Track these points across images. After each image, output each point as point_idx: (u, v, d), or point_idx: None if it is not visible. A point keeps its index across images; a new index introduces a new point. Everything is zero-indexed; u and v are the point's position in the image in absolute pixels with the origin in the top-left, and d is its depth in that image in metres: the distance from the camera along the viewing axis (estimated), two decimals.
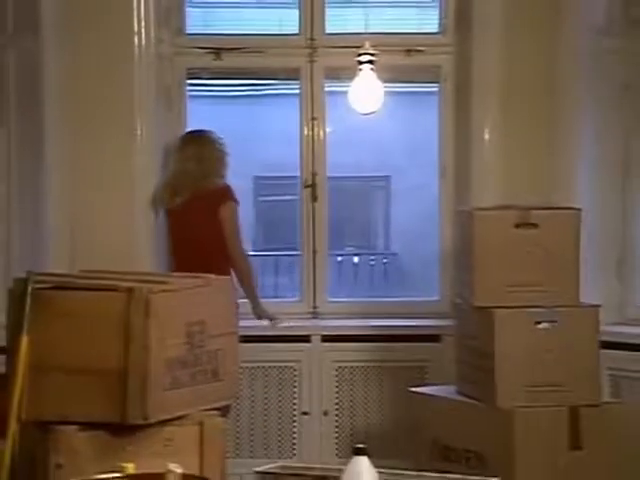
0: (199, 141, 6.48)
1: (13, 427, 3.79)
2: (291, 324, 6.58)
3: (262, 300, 6.44)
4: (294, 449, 6.49)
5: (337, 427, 6.51)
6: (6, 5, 6.42)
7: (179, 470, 2.95)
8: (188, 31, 6.82)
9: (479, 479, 3.61)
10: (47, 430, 3.77)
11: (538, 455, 5.31)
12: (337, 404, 6.55)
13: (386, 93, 6.54)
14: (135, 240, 6.41)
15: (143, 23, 6.47)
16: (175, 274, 5.43)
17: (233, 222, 6.36)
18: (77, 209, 6.42)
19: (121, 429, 3.77)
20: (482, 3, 6.53)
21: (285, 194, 8.26)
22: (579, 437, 5.46)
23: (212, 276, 4.28)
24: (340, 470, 3.12)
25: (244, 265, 6.32)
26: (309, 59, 6.73)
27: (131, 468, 3.02)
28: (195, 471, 3.48)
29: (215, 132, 6.52)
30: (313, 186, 6.75)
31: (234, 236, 6.32)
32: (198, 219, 6.33)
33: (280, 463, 4.07)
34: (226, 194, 6.42)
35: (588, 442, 5.47)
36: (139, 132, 6.53)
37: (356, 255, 12.49)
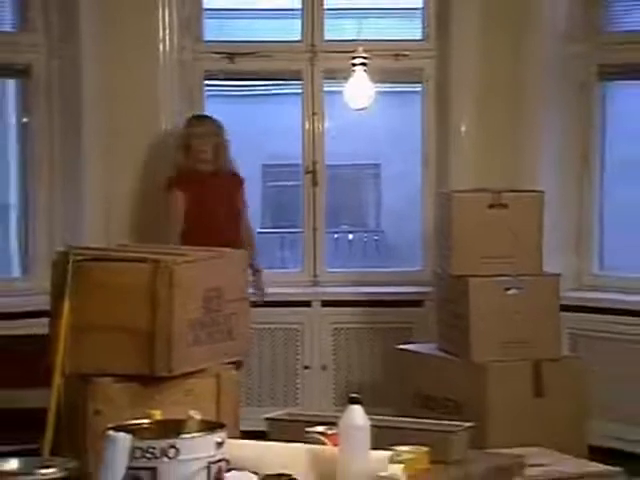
0: (215, 124, 6.26)
1: (57, 380, 3.80)
2: (294, 291, 6.61)
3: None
4: (297, 398, 6.51)
5: (334, 380, 6.54)
6: (51, 19, 6.44)
7: (198, 416, 2.96)
8: (206, 39, 6.80)
9: (456, 424, 3.62)
10: (87, 382, 3.78)
11: (507, 402, 5.34)
12: (334, 360, 6.57)
13: (376, 92, 6.54)
14: (160, 217, 6.42)
15: (167, 32, 6.49)
16: (194, 248, 5.43)
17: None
18: (111, 194, 6.44)
19: (149, 380, 3.77)
20: (459, 14, 6.53)
21: (289, 180, 8.24)
22: (542, 386, 5.49)
23: (226, 249, 4.29)
24: (337, 417, 3.13)
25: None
26: (310, 62, 6.73)
27: (158, 414, 3.03)
28: (212, 417, 3.49)
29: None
30: (313, 173, 6.76)
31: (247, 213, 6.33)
32: (222, 197, 6.19)
33: (286, 410, 4.09)
34: (240, 176, 6.34)
35: (549, 390, 5.50)
36: (164, 127, 6.55)
37: (350, 232, 12.45)
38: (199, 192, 6.11)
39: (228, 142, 6.23)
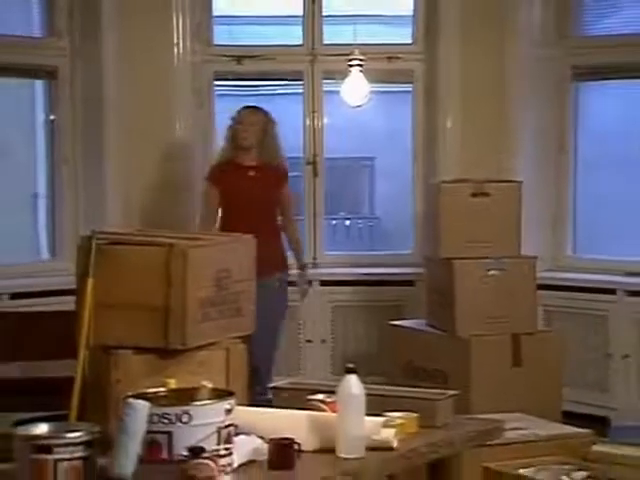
0: (263, 116, 5.86)
1: (82, 352, 3.80)
2: (295, 272, 6.60)
3: None
4: (299, 369, 6.51)
5: (332, 352, 6.55)
6: (75, 25, 6.44)
7: (209, 385, 2.96)
8: (215, 43, 6.79)
9: (442, 392, 3.62)
10: (108, 354, 3.78)
11: (488, 372, 5.35)
12: (332, 334, 6.58)
13: (371, 91, 6.55)
14: (179, 206, 6.45)
15: (180, 37, 6.50)
16: (207, 233, 5.43)
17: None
18: (129, 184, 6.45)
19: (165, 353, 3.78)
20: (445, 21, 6.53)
21: (292, 171, 8.22)
22: (520, 357, 5.49)
23: (236, 234, 4.29)
24: (335, 386, 3.14)
25: None
26: (310, 64, 6.73)
27: (173, 383, 3.03)
28: (222, 386, 3.49)
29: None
30: (314, 165, 6.77)
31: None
32: (259, 191, 5.77)
33: (289, 380, 4.09)
34: (285, 171, 5.96)
35: (526, 361, 5.51)
36: (177, 124, 6.55)
37: (347, 219, 12.44)
38: (234, 186, 5.74)
39: (276, 135, 5.86)
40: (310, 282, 6.15)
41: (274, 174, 5.83)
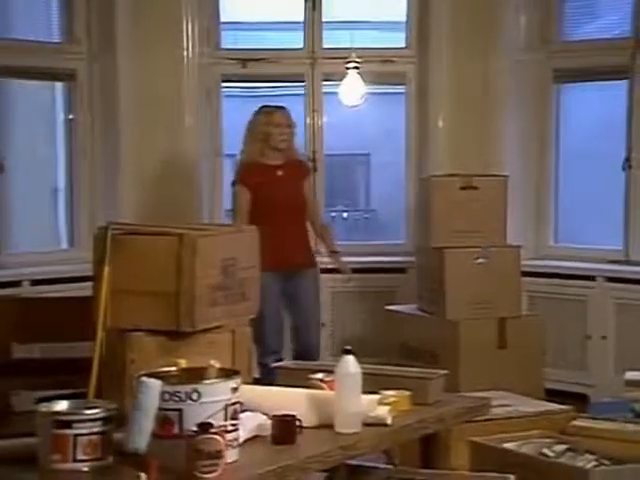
0: (289, 114, 5.63)
1: (100, 334, 3.80)
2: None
3: None
4: None
5: (331, 334, 6.53)
6: (92, 31, 6.44)
7: (217, 365, 2.96)
8: (222, 47, 6.78)
9: (433, 371, 3.63)
10: (124, 336, 3.78)
11: (475, 353, 5.36)
12: (331, 318, 6.57)
13: (367, 92, 6.55)
14: (189, 199, 6.44)
15: (190, 41, 6.49)
16: (214, 224, 5.42)
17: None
18: (143, 178, 6.45)
19: (175, 335, 3.78)
20: (436, 27, 6.53)
21: None
22: (505, 339, 5.50)
23: (242, 225, 4.29)
24: (334, 366, 3.14)
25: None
26: (310, 67, 6.71)
27: (183, 363, 3.03)
28: (229, 366, 3.49)
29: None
30: (314, 160, 6.74)
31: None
32: (288, 188, 5.55)
33: (292, 361, 4.09)
34: (307, 165, 5.87)
35: (511, 343, 5.52)
36: (187, 123, 6.54)
37: (345, 211, 12.47)
38: (265, 187, 5.47)
39: (296, 132, 5.71)
40: (344, 265, 5.82)
41: (299, 169, 5.68)
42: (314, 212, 5.77)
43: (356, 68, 6.41)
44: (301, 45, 6.76)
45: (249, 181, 5.49)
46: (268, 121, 5.52)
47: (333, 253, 5.78)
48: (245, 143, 5.64)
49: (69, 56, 6.49)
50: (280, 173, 5.55)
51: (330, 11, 6.80)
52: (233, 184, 5.59)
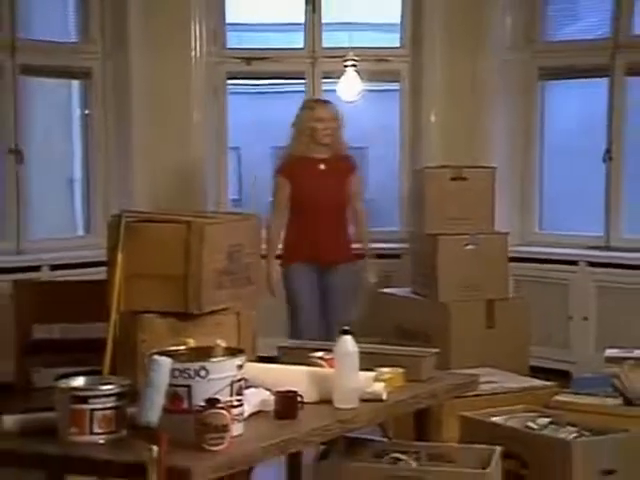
0: (336, 108, 5.28)
1: (114, 316, 3.80)
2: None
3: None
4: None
5: None
6: (106, 32, 6.45)
7: (223, 344, 2.96)
8: (228, 46, 6.76)
9: (425, 350, 3.63)
10: (136, 317, 3.78)
11: (465, 333, 5.35)
12: None
13: (364, 89, 6.53)
14: (196, 189, 6.42)
15: (198, 41, 6.49)
16: (220, 212, 5.41)
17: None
18: (154, 170, 6.45)
19: (184, 316, 3.77)
20: (429, 28, 6.52)
21: None
22: (493, 320, 5.50)
23: (246, 212, 4.28)
24: (333, 345, 3.14)
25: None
26: (311, 65, 6.69)
27: (192, 343, 3.03)
28: (234, 345, 3.49)
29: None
30: None
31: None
32: (331, 183, 5.19)
33: (294, 340, 4.09)
34: (353, 162, 5.38)
35: (499, 323, 5.52)
36: (195, 117, 6.53)
37: None
38: (306, 181, 5.13)
39: (343, 126, 5.32)
40: (368, 275, 5.45)
41: (344, 165, 5.30)
42: (355, 210, 5.37)
43: (353, 66, 6.39)
44: (302, 45, 6.74)
45: (290, 174, 5.15)
46: (312, 116, 5.19)
47: (363, 257, 5.39)
48: (292, 137, 5.30)
49: (85, 55, 6.48)
50: (323, 167, 5.19)
51: (329, 13, 6.79)
52: (274, 174, 5.28)
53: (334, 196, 5.17)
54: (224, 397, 2.70)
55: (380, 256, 6.55)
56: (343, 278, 5.27)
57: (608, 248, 6.22)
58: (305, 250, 4.70)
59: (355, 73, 6.42)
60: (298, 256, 4.83)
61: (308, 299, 5.14)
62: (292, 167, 5.18)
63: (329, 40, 6.77)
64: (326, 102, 5.30)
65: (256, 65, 6.76)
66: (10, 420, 2.89)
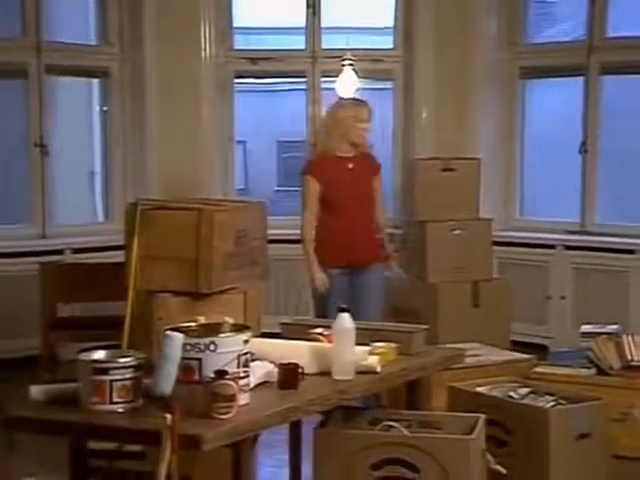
0: (370, 108, 4.77)
1: (131, 294, 3.80)
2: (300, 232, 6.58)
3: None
4: (303, 309, 6.48)
5: None
6: (123, 35, 6.44)
7: (231, 321, 2.96)
8: (235, 47, 6.73)
9: (416, 327, 3.63)
10: (152, 296, 3.78)
11: (452, 311, 5.36)
12: None
13: (360, 87, 6.51)
14: (206, 179, 6.41)
15: (207, 43, 6.47)
16: (227, 200, 5.39)
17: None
18: (167, 161, 6.43)
19: (196, 295, 3.78)
20: (420, 31, 6.50)
21: (297, 151, 8.21)
22: (478, 299, 5.51)
23: (252, 201, 4.28)
24: (331, 322, 3.14)
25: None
26: (311, 65, 6.66)
27: (202, 319, 3.02)
28: (241, 321, 3.50)
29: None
30: (314, 146, 6.72)
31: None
32: (358, 181, 4.73)
33: (295, 318, 4.09)
34: (377, 161, 4.84)
35: (483, 302, 5.53)
36: (204, 113, 6.52)
37: None
38: (335, 179, 4.64)
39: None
40: (396, 272, 4.98)
41: (370, 164, 4.80)
42: (377, 211, 4.84)
43: (350, 66, 6.38)
44: (303, 46, 6.71)
45: (320, 172, 4.64)
46: (354, 115, 4.67)
47: (387, 258, 4.87)
48: (324, 134, 4.79)
49: (104, 56, 6.46)
50: (351, 166, 4.71)
51: (328, 17, 6.76)
52: (302, 174, 4.76)
53: (364, 195, 4.71)
54: (232, 369, 2.70)
55: None
56: (375, 278, 4.79)
57: (584, 233, 6.22)
58: (339, 253, 4.43)
59: (352, 72, 6.41)
60: (332, 259, 4.53)
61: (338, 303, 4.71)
62: (322, 166, 4.68)
63: (328, 42, 6.75)
64: (364, 102, 4.79)
65: (261, 65, 6.74)
66: (37, 390, 2.90)
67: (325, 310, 4.33)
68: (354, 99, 4.93)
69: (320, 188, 4.65)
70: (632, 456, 3.95)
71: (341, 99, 4.92)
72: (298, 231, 6.50)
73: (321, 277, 4.59)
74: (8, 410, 2.89)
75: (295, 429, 3.59)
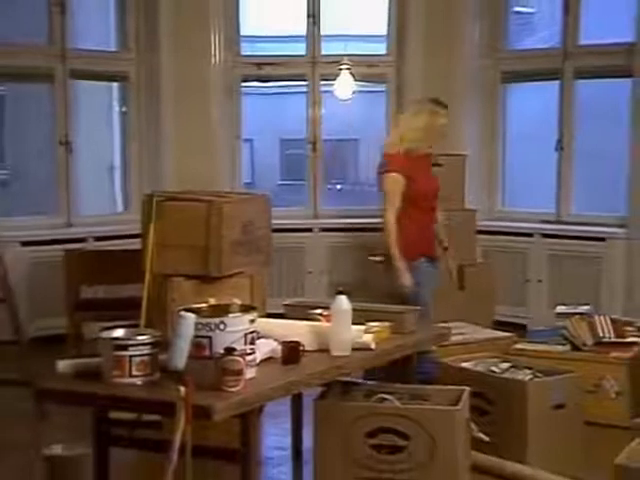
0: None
1: (148, 278, 3.80)
2: (302, 221, 6.58)
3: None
4: (304, 292, 6.49)
5: (328, 279, 6.50)
6: (141, 42, 6.40)
7: (239, 302, 2.96)
8: (242, 54, 6.69)
9: (407, 307, 3.63)
10: (166, 280, 3.78)
11: (440, 293, 5.32)
12: (328, 267, 6.54)
13: (356, 90, 6.51)
14: (215, 173, 6.39)
15: (217, 49, 6.43)
16: (234, 192, 5.38)
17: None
18: (180, 157, 6.41)
19: (206, 279, 3.78)
20: (411, 39, 6.47)
21: (299, 148, 8.19)
22: (463, 282, 5.50)
23: (257, 193, 4.27)
24: (330, 303, 3.14)
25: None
26: (312, 69, 6.63)
27: (212, 301, 3.03)
28: (247, 303, 3.49)
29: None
30: (314, 144, 6.70)
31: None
32: (431, 177, 4.48)
33: (297, 299, 4.09)
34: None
35: (468, 285, 5.53)
36: (214, 113, 6.50)
37: (339, 184, 12.47)
38: (417, 174, 4.29)
39: None
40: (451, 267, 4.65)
41: (432, 160, 4.58)
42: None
43: (348, 70, 6.37)
44: (304, 52, 6.67)
45: (406, 170, 4.27)
46: (444, 116, 4.40)
47: (445, 249, 4.56)
48: (413, 134, 4.35)
49: (122, 62, 6.43)
50: (427, 163, 4.45)
51: (327, 26, 6.74)
52: (386, 172, 4.33)
53: (436, 189, 4.45)
54: (239, 346, 2.70)
55: (369, 229, 6.56)
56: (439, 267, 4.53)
57: (559, 222, 6.21)
58: (422, 244, 4.27)
59: (349, 76, 6.40)
60: (417, 251, 4.23)
61: (430, 295, 4.36)
62: (407, 163, 4.29)
63: (327, 49, 6.71)
64: (446, 106, 4.46)
65: (266, 69, 6.70)
66: (64, 365, 2.90)
67: (418, 301, 4.06)
68: (440, 102, 4.44)
69: (405, 185, 4.25)
70: (603, 423, 3.96)
71: (435, 102, 4.43)
72: (300, 221, 6.53)
73: (408, 277, 4.23)
74: (38, 383, 2.89)
75: (297, 400, 3.60)
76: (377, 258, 4.76)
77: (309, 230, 6.54)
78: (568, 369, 3.79)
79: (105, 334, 2.81)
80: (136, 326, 3.48)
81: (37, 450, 3.41)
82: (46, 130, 6.36)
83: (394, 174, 4.28)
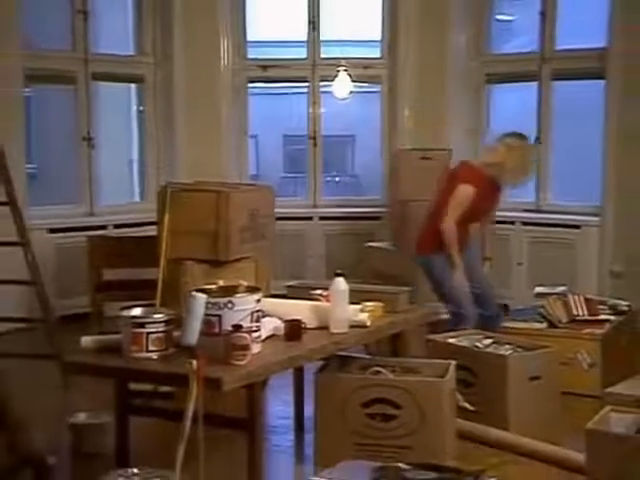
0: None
1: (163, 262, 3.80)
2: (303, 210, 6.56)
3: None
4: (305, 274, 6.45)
5: (327, 263, 6.50)
6: (157, 47, 6.37)
7: (245, 284, 2.96)
8: (248, 57, 6.66)
9: (400, 288, 3.62)
10: (179, 264, 3.78)
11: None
12: (327, 252, 6.53)
13: (352, 90, 6.49)
14: (224, 166, 6.37)
15: (225, 53, 6.42)
16: (242, 183, 5.37)
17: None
18: (192, 153, 6.40)
19: (216, 263, 3.77)
20: (403, 43, 6.42)
21: (300, 144, 8.16)
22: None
23: (262, 184, 4.26)
24: (329, 284, 3.13)
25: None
26: (312, 71, 6.60)
27: (221, 282, 3.03)
28: (253, 284, 3.49)
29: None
30: (314, 139, 6.68)
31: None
32: (491, 198, 4.45)
33: (298, 281, 4.09)
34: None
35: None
36: (223, 112, 6.48)
37: (337, 176, 12.42)
38: (483, 195, 4.25)
39: None
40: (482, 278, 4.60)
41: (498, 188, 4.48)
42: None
43: (345, 72, 6.35)
44: (305, 56, 6.65)
45: (478, 188, 4.22)
46: (529, 150, 4.50)
47: (485, 259, 4.71)
48: (505, 161, 4.27)
49: (140, 65, 6.41)
50: (491, 188, 4.36)
51: (326, 32, 6.71)
52: (464, 182, 4.24)
53: (488, 211, 4.50)
54: (246, 324, 2.70)
55: (365, 218, 6.57)
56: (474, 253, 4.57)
57: (538, 211, 6.20)
58: (460, 244, 4.37)
59: (346, 77, 6.37)
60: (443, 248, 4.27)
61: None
62: (482, 184, 4.24)
63: (326, 52, 6.68)
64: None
65: (270, 71, 6.68)
66: (87, 340, 2.91)
67: (453, 287, 4.13)
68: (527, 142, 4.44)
69: (472, 197, 4.22)
70: (577, 393, 3.97)
71: (524, 137, 4.41)
72: (301, 210, 6.52)
73: (460, 274, 4.26)
74: (65, 357, 2.89)
75: (299, 374, 3.60)
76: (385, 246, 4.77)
77: (309, 218, 6.53)
78: (545, 344, 3.79)
79: (124, 313, 2.81)
80: (152, 305, 3.48)
81: (64, 418, 3.42)
82: (70, 128, 6.35)
83: (472, 187, 4.20)
